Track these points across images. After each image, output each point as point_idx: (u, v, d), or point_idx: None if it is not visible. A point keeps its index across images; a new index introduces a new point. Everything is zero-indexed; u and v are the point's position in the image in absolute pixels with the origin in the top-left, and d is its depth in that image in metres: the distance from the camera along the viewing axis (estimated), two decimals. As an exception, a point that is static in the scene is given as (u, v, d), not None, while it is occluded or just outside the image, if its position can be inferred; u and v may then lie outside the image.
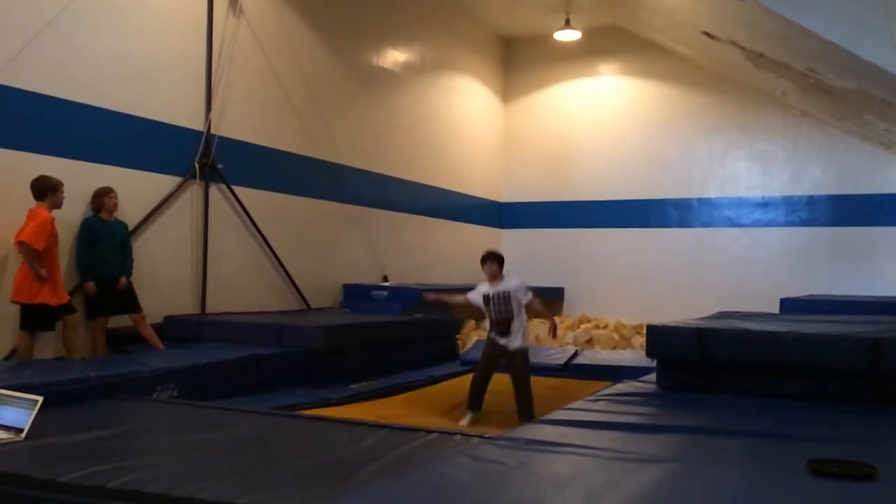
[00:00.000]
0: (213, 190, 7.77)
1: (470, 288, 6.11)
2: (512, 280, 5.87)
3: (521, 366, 5.72)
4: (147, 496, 2.72)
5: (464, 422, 5.64)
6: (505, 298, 5.75)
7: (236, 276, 8.05)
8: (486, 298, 5.79)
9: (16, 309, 5.74)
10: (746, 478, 2.80)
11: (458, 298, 6.26)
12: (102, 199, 6.40)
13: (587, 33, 12.56)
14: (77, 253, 6.31)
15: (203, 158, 7.56)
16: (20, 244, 5.57)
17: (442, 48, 12.04)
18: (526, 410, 5.58)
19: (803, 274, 11.49)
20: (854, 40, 6.23)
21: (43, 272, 5.58)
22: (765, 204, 12.12)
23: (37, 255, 5.55)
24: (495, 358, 5.83)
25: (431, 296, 6.70)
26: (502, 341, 5.75)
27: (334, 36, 9.58)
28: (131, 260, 6.59)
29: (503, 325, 5.74)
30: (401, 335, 7.83)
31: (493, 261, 5.87)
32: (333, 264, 9.54)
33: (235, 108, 8.05)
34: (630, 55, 12.90)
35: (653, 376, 5.00)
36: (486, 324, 5.99)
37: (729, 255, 12.16)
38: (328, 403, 5.84)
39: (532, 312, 6.20)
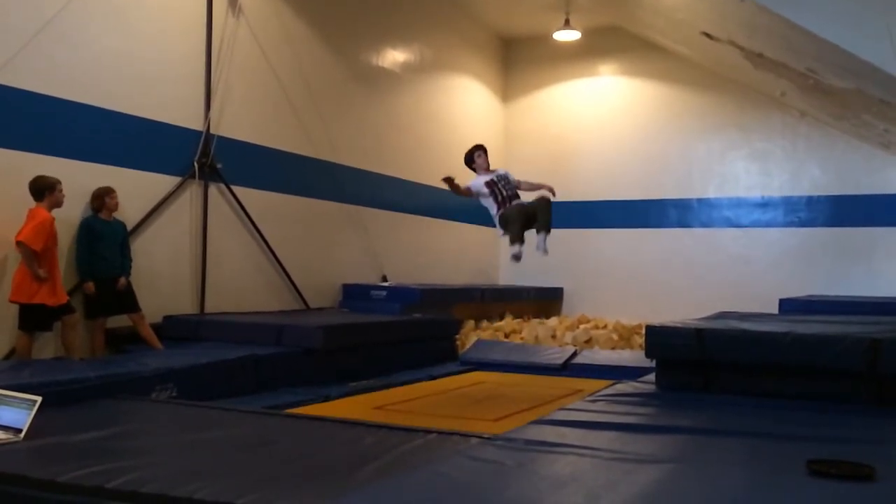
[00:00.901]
0: (213, 190, 7.77)
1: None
2: (499, 169, 6.85)
3: (543, 200, 6.62)
4: (146, 496, 2.72)
5: (515, 249, 6.45)
6: (506, 178, 6.68)
7: (235, 276, 8.05)
8: (492, 182, 6.58)
9: (15, 309, 5.73)
10: (745, 478, 2.80)
11: (462, 189, 6.75)
12: (104, 199, 6.40)
13: (587, 33, 12.56)
14: (77, 253, 6.31)
15: (202, 158, 7.56)
16: (18, 244, 5.57)
17: (441, 48, 12.04)
18: (546, 225, 6.51)
19: (802, 274, 11.49)
20: (853, 40, 6.24)
21: (41, 272, 5.58)
22: (764, 204, 12.12)
23: (35, 255, 5.54)
24: (522, 208, 6.58)
25: (453, 182, 6.74)
26: (517, 201, 6.60)
27: (334, 36, 9.58)
28: (130, 260, 6.59)
29: (514, 197, 6.61)
30: (400, 335, 7.83)
31: (485, 151, 6.81)
32: (332, 264, 9.54)
33: (235, 107, 8.05)
34: (630, 55, 12.90)
35: (652, 376, 5.01)
36: (495, 210, 6.66)
37: (728, 255, 12.16)
38: (327, 399, 5.89)
39: (527, 189, 6.96)
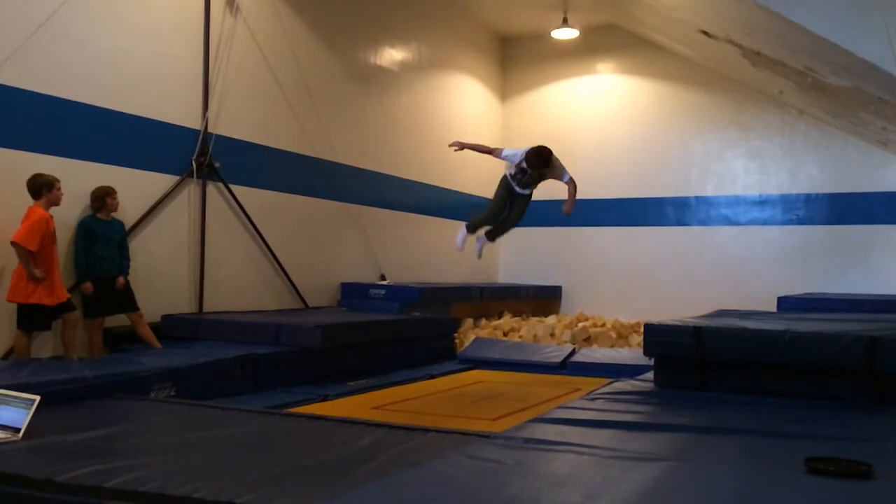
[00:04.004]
0: (211, 189, 7.76)
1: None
2: (558, 168, 6.58)
3: (524, 206, 6.74)
4: (144, 495, 2.71)
5: (478, 245, 6.70)
6: (540, 178, 6.58)
7: (234, 275, 8.05)
8: (525, 171, 6.47)
9: (13, 308, 5.72)
10: (743, 476, 2.81)
11: (494, 151, 6.76)
12: (105, 199, 6.38)
13: (585, 32, 12.56)
14: (75, 253, 6.30)
15: (200, 157, 7.55)
16: (13, 245, 5.54)
17: (439, 46, 12.04)
18: (501, 234, 6.77)
19: (800, 272, 11.50)
20: (851, 39, 6.24)
21: (37, 272, 5.55)
22: (762, 202, 12.13)
23: (31, 255, 5.52)
24: (507, 198, 6.67)
25: (465, 144, 6.86)
26: (518, 189, 6.63)
27: (331, 34, 9.57)
28: (128, 259, 6.59)
29: (526, 188, 6.65)
30: (398, 334, 7.83)
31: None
32: (331, 263, 9.53)
33: (232, 106, 8.04)
34: (628, 53, 12.90)
35: (650, 375, 5.02)
36: (510, 170, 6.64)
37: (726, 253, 12.16)
38: (325, 399, 5.88)
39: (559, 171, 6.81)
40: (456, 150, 6.78)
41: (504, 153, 6.63)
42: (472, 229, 6.79)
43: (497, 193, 6.71)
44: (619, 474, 2.77)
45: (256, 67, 8.39)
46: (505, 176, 6.68)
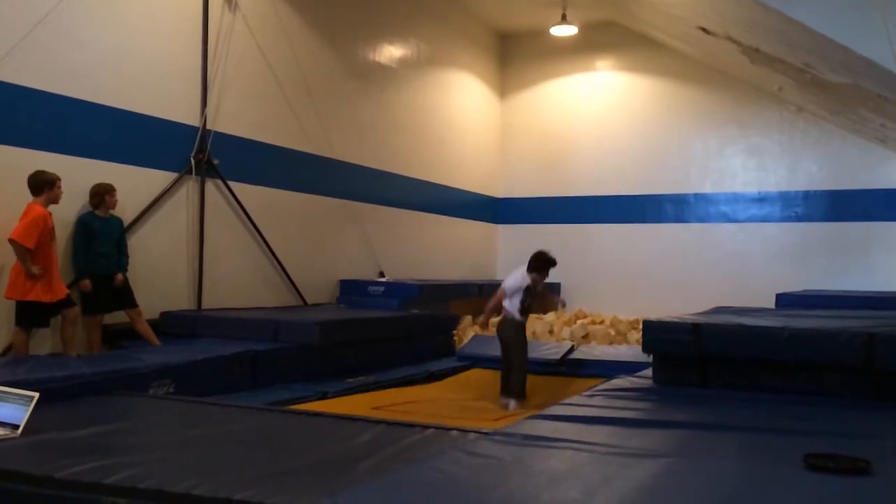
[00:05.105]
0: (209, 186, 7.76)
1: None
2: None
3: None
4: (143, 492, 2.72)
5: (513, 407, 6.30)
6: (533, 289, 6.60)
7: (232, 272, 8.05)
8: (530, 289, 6.55)
9: (12, 305, 5.72)
10: (742, 472, 2.81)
11: (501, 293, 6.74)
12: (104, 196, 6.38)
13: (584, 28, 12.55)
14: (73, 249, 6.30)
15: (199, 154, 7.55)
16: (11, 242, 5.53)
17: (438, 43, 12.03)
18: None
19: (799, 269, 11.50)
20: (850, 36, 6.24)
21: (35, 269, 5.54)
22: (761, 199, 12.13)
23: (28, 252, 5.52)
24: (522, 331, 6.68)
25: (487, 315, 7.02)
26: (525, 320, 6.67)
27: (331, 31, 9.56)
28: (127, 256, 6.58)
29: (529, 310, 6.68)
30: (397, 331, 7.83)
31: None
32: (330, 260, 9.53)
33: (231, 103, 8.03)
34: (626, 50, 12.90)
35: (649, 371, 5.01)
36: (514, 307, 6.57)
37: (725, 250, 12.17)
38: (324, 397, 5.88)
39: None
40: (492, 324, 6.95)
41: (509, 287, 6.62)
42: (524, 395, 6.48)
43: (519, 344, 6.58)
44: (617, 471, 2.77)
45: (255, 64, 8.38)
46: (513, 321, 6.61)
